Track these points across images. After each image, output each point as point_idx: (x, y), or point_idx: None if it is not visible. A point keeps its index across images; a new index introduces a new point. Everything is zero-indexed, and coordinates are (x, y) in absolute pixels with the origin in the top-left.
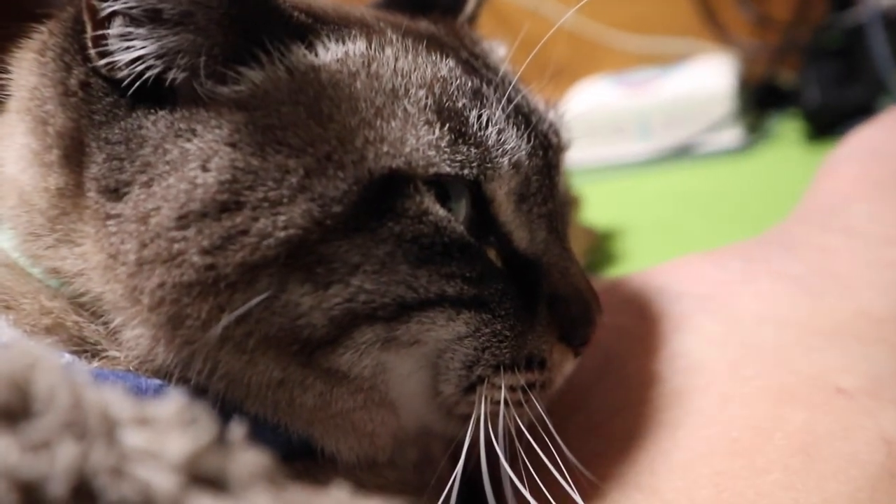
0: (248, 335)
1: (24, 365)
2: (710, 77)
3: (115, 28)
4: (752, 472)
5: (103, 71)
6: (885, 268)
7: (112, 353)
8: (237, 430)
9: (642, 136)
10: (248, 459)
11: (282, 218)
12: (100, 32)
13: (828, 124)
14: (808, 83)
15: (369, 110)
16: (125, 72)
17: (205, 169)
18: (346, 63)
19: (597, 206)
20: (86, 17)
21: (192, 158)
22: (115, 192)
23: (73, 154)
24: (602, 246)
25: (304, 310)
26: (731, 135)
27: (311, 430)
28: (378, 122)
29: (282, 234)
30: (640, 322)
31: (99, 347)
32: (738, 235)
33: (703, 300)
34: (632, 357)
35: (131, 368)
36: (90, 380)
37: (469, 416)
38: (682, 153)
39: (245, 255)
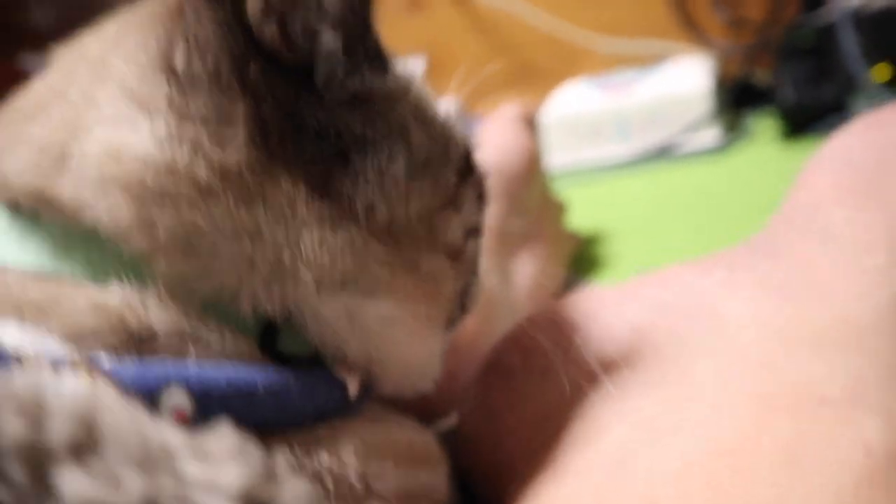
0: None
1: (85, 397)
2: (688, 78)
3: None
4: (742, 480)
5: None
6: (862, 274)
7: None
8: (281, 460)
9: (622, 138)
10: (296, 487)
11: (450, 173)
12: None
13: (803, 122)
14: (783, 82)
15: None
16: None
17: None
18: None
19: (579, 210)
20: None
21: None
22: None
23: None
24: (586, 251)
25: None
26: (710, 134)
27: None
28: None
29: (452, 180)
30: (630, 334)
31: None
32: (721, 234)
33: (689, 310)
34: (624, 368)
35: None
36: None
37: None
38: (661, 154)
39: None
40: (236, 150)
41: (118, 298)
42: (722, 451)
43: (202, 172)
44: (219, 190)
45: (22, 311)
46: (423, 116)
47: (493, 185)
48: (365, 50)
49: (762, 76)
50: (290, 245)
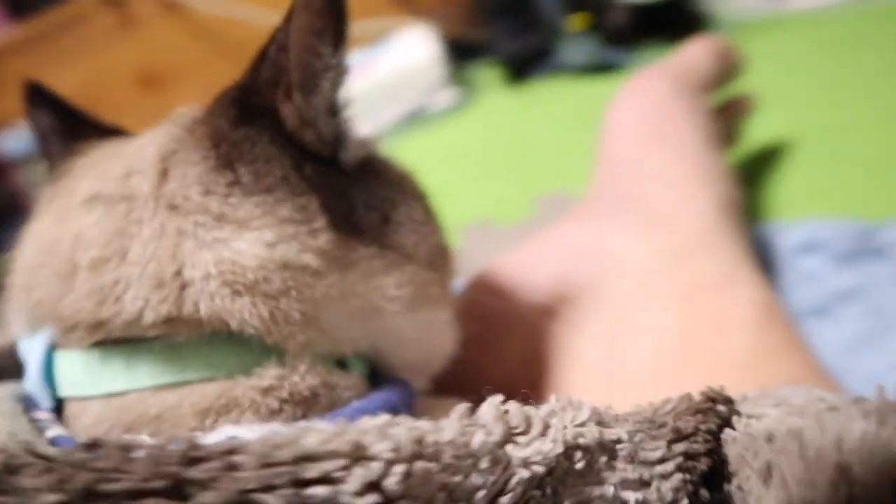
0: None
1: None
2: (417, 48)
3: None
4: (691, 350)
5: None
6: (691, 200)
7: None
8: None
9: (373, 116)
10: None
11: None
12: None
13: (520, 69)
14: (497, 37)
15: None
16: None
17: None
18: None
19: None
20: None
21: None
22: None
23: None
24: None
25: None
26: (448, 94)
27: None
28: None
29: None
30: (556, 284)
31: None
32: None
33: (589, 253)
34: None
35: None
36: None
37: None
38: (411, 122)
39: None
40: (325, 235)
41: (276, 378)
42: (672, 336)
43: (309, 260)
44: (324, 269)
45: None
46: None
47: None
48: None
49: (480, 33)
50: (377, 292)
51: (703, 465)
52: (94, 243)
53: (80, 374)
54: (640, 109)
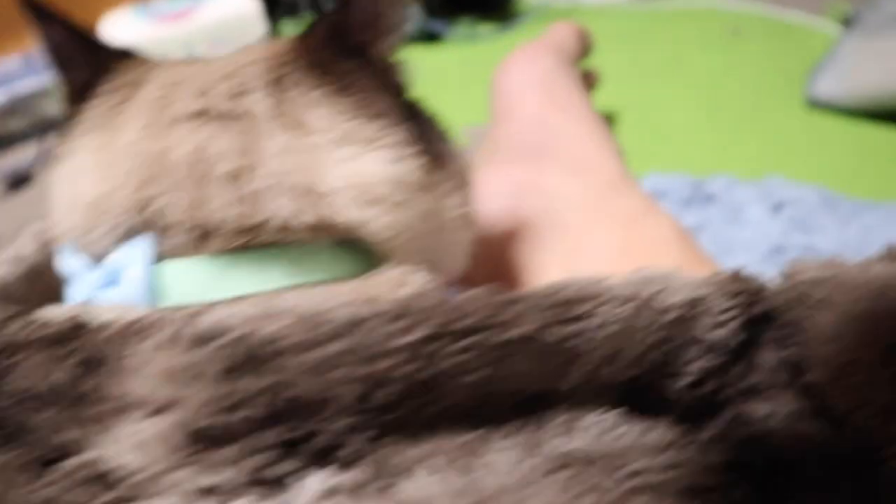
0: None
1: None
2: (239, 1)
3: None
4: (638, 257)
5: None
6: (600, 150)
7: None
8: None
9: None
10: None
11: None
12: None
13: None
14: None
15: None
16: None
17: None
18: None
19: None
20: None
21: None
22: None
23: None
24: None
25: None
26: None
27: None
28: None
29: None
30: (510, 219)
31: None
32: None
33: (529, 191)
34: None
35: None
36: None
37: None
38: None
39: None
40: (423, 158)
41: (396, 280)
42: (618, 255)
43: (417, 178)
44: (424, 187)
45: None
46: None
47: None
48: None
49: None
50: (446, 212)
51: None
52: (223, 157)
53: (203, 281)
54: (533, 78)
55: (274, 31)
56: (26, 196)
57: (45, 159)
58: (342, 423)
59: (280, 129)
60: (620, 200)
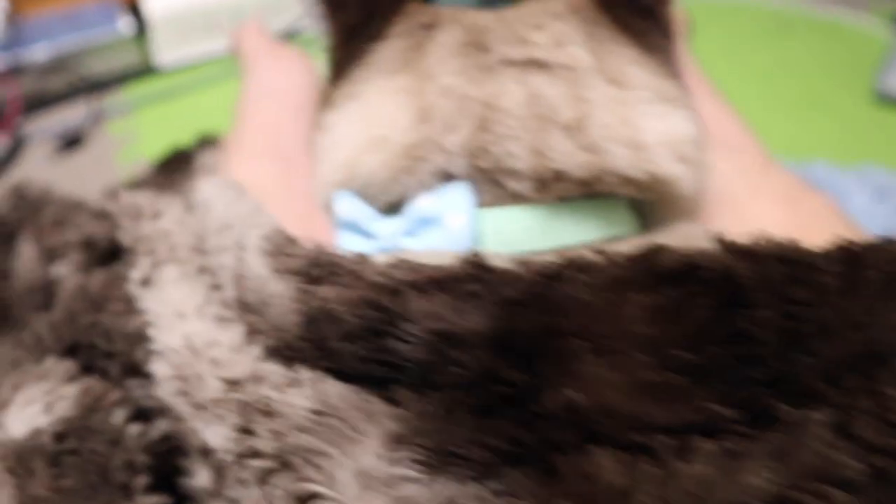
0: None
1: None
2: None
3: None
4: None
5: None
6: (746, 130)
7: None
8: None
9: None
10: None
11: None
12: None
13: None
14: None
15: None
16: None
17: None
18: None
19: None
20: None
21: None
22: None
23: None
24: None
25: None
26: (314, 23)
27: None
28: None
29: None
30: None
31: None
32: None
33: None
34: None
35: None
36: None
37: None
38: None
39: None
40: (699, 119)
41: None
42: (786, 227)
43: (702, 137)
44: (704, 146)
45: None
46: None
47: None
48: None
49: None
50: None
51: None
52: (560, 105)
53: (531, 228)
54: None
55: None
56: (79, 156)
57: (95, 118)
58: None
59: (604, 82)
60: (777, 177)
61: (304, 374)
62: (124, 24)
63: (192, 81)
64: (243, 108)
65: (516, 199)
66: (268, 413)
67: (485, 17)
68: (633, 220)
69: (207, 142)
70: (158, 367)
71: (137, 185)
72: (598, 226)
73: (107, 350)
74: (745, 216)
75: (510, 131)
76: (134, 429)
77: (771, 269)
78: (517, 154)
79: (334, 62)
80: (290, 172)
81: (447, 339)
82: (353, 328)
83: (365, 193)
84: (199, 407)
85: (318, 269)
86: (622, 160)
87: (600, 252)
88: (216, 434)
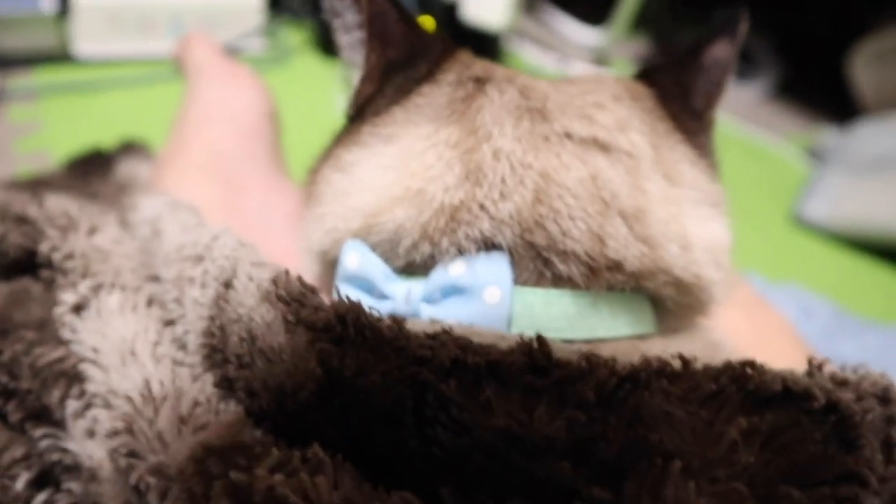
0: None
1: None
2: None
3: None
4: None
5: None
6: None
7: None
8: None
9: (174, 36)
10: None
11: None
12: None
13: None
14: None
15: None
16: None
17: None
18: None
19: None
20: None
21: None
22: None
23: None
24: None
25: None
26: (257, 42)
27: None
28: None
29: None
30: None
31: None
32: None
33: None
34: None
35: None
36: None
37: None
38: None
39: None
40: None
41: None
42: (748, 334)
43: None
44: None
45: None
46: None
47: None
48: None
49: None
50: None
51: None
52: (621, 192)
53: (569, 316)
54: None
55: (271, 28)
56: None
57: None
58: None
59: (660, 176)
60: (737, 290)
61: (322, 455)
62: (46, 1)
63: (111, 78)
64: (186, 123)
65: (558, 282)
66: (273, 502)
67: (541, 84)
68: (653, 319)
69: (130, 147)
70: (100, 416)
71: (47, 182)
72: (628, 322)
73: (9, 388)
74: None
75: (570, 210)
76: (40, 498)
77: (871, 406)
78: (576, 236)
79: (363, 95)
80: (236, 198)
81: (514, 440)
82: (388, 407)
83: (383, 248)
84: (159, 474)
85: (345, 328)
86: (675, 259)
87: (681, 359)
88: None
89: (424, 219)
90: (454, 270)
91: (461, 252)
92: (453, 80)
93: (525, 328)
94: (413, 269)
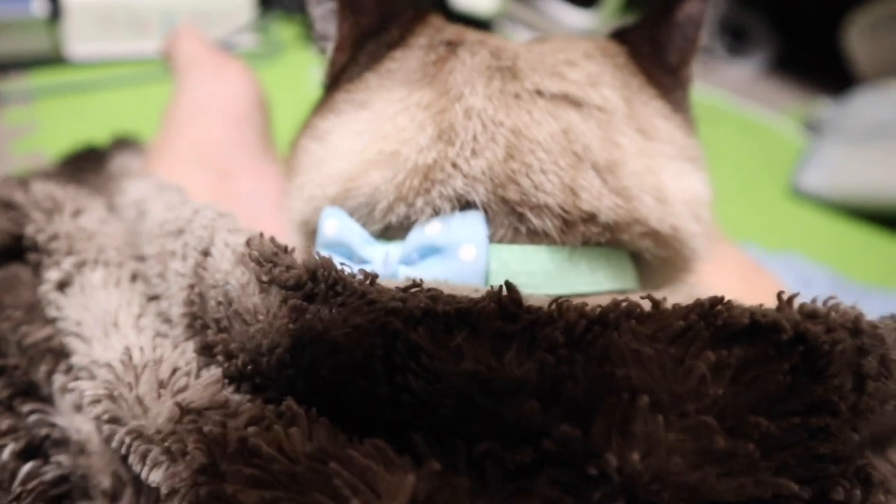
0: None
1: None
2: None
3: None
4: None
5: None
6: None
7: None
8: None
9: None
10: None
11: None
12: None
13: None
14: None
15: None
16: None
17: None
18: None
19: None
20: None
21: None
22: None
23: None
24: None
25: None
26: (249, 38)
27: None
28: None
29: None
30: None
31: None
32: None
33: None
34: None
35: None
36: None
37: None
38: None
39: None
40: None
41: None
42: (744, 296)
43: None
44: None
45: None
46: None
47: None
48: None
49: None
50: None
51: None
52: (593, 145)
53: (547, 271)
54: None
55: (262, 23)
56: None
57: None
58: None
59: (634, 130)
60: (730, 252)
61: (296, 409)
62: (38, 5)
63: (104, 78)
64: (176, 114)
65: (534, 237)
66: (247, 453)
67: (512, 44)
68: (635, 275)
69: (123, 142)
70: (83, 386)
71: (43, 176)
72: (608, 276)
73: None
74: (707, 289)
75: (542, 164)
76: (26, 468)
77: (842, 337)
78: (548, 189)
79: (337, 64)
80: (227, 185)
81: (484, 384)
82: (359, 358)
83: (361, 213)
84: (139, 437)
85: (317, 284)
86: (651, 210)
87: (650, 300)
88: (161, 473)
89: (399, 180)
90: (430, 230)
91: (436, 212)
92: (425, 44)
93: (511, 281)
94: (390, 232)
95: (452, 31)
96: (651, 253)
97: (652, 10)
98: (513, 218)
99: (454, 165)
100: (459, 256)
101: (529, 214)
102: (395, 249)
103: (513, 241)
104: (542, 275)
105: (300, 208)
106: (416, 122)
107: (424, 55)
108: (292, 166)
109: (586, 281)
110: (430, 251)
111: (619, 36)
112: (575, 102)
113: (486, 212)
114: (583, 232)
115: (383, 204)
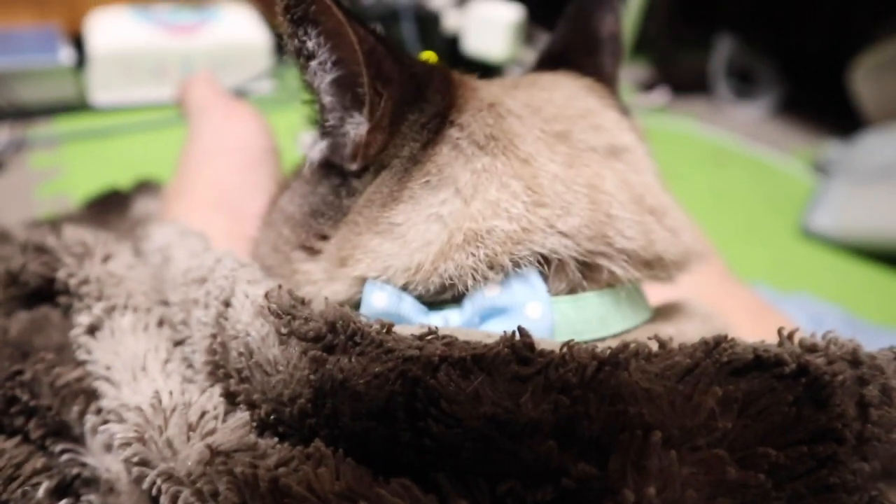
0: None
1: None
2: (247, 27)
3: None
4: None
5: None
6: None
7: None
8: None
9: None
10: None
11: None
12: None
13: None
14: None
15: None
16: None
17: None
18: None
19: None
20: None
21: None
22: None
23: None
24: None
25: None
26: (266, 84)
27: None
28: None
29: None
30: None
31: None
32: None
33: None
34: None
35: None
36: None
37: None
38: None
39: None
40: None
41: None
42: (759, 335)
43: None
44: None
45: None
46: None
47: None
48: None
49: None
50: None
51: None
52: (644, 192)
53: (600, 316)
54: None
55: (278, 67)
56: None
57: (17, 147)
58: None
59: (650, 169)
60: (741, 291)
61: (324, 449)
62: (64, 54)
63: (126, 124)
64: (191, 159)
65: (592, 284)
66: (278, 493)
67: (528, 94)
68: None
69: (145, 185)
70: (114, 429)
71: (68, 220)
72: (640, 309)
73: (30, 406)
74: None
75: (623, 213)
76: None
77: (842, 368)
78: (632, 236)
79: (374, 146)
80: (242, 227)
81: (502, 426)
82: (380, 405)
83: (413, 286)
84: (169, 479)
85: (336, 335)
86: (693, 243)
87: (657, 340)
88: None
89: (482, 254)
90: (489, 293)
91: (496, 276)
92: (474, 108)
93: (565, 335)
94: (440, 299)
95: (484, 90)
96: (666, 279)
97: (569, 38)
98: (576, 269)
99: (551, 226)
100: (527, 314)
101: (603, 262)
102: (453, 316)
103: (569, 292)
104: (596, 320)
105: (342, 291)
106: (508, 191)
107: (482, 121)
108: (340, 258)
109: (629, 318)
110: (492, 313)
111: (563, 65)
112: (615, 151)
113: (546, 267)
114: (651, 273)
115: (460, 282)
